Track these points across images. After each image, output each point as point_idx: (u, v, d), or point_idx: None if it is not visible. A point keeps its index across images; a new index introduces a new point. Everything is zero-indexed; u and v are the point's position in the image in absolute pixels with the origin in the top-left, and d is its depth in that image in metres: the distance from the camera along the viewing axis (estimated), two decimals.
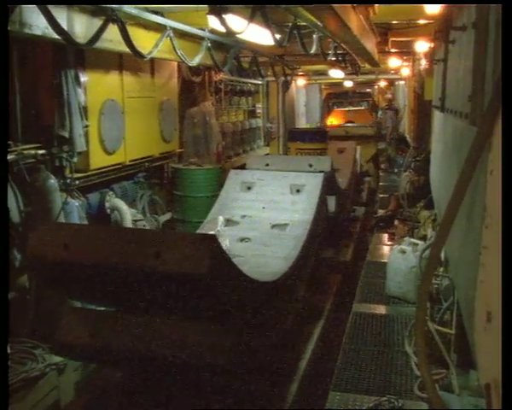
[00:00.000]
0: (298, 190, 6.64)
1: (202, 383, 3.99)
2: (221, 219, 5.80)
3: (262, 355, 4.47)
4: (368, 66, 12.39)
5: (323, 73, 15.81)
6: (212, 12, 4.64)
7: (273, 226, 6.23)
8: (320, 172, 6.95)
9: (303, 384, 4.84)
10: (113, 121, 7.38)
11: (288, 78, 13.45)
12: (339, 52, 9.15)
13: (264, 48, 8.31)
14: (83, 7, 5.16)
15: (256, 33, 6.02)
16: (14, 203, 5.40)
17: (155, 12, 6.15)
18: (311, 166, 7.18)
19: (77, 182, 6.58)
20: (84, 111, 6.56)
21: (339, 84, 21.58)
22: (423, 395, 3.98)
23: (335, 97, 22.71)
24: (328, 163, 7.36)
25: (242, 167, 7.64)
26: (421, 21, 7.71)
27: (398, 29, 8.61)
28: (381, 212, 11.54)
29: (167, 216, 9.14)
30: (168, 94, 9.21)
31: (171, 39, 6.16)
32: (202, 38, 7.06)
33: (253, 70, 10.64)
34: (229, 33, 5.21)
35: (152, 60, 7.63)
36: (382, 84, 24.71)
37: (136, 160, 8.18)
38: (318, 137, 11.12)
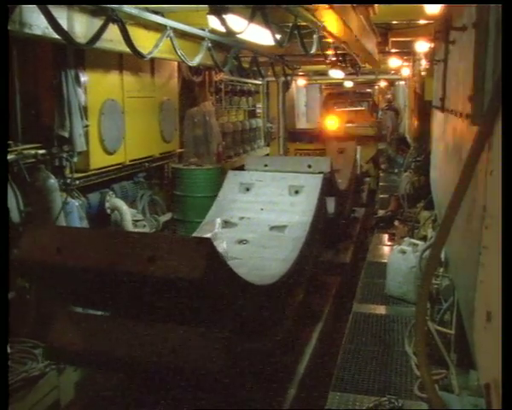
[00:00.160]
0: (297, 192, 6.58)
1: (198, 388, 3.93)
2: (218, 221, 5.73)
3: (259, 360, 4.41)
4: (368, 66, 12.38)
5: (323, 74, 15.80)
6: (212, 12, 4.64)
7: (271, 228, 6.15)
8: (319, 173, 6.88)
9: (301, 389, 4.76)
10: (113, 121, 7.38)
11: (289, 78, 13.45)
12: (339, 52, 9.15)
13: (265, 48, 8.31)
14: (83, 7, 5.16)
15: (256, 33, 6.02)
16: (14, 203, 5.41)
17: (155, 12, 6.15)
18: (309, 167, 7.10)
19: (77, 182, 6.58)
20: (84, 111, 6.57)
21: (339, 85, 21.57)
22: (423, 395, 3.97)
23: (335, 97, 22.72)
24: (327, 164, 7.27)
25: (241, 168, 7.57)
26: (422, 21, 7.72)
27: (399, 29, 8.61)
28: (381, 212, 11.55)
29: (167, 216, 9.14)
30: (168, 94, 9.21)
31: (171, 39, 6.16)
32: (202, 38, 7.05)
33: (254, 70, 10.64)
34: (230, 33, 5.21)
35: (152, 60, 7.63)
36: (382, 84, 24.70)
37: (136, 160, 8.18)
38: (317, 137, 11.11)
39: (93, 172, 7.03)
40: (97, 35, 4.89)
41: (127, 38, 5.27)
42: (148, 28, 6.30)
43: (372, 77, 18.61)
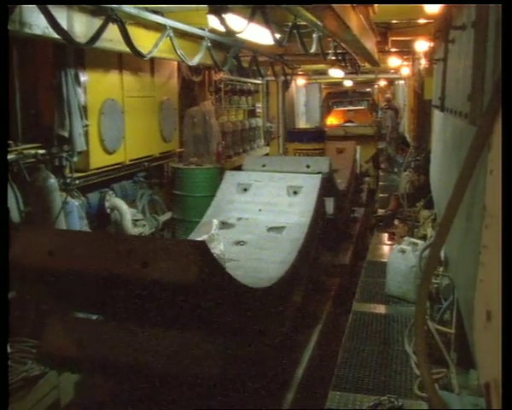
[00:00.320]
0: (295, 192, 6.47)
1: (193, 395, 3.82)
2: (215, 222, 5.60)
3: (256, 364, 4.32)
4: (368, 65, 12.39)
5: (323, 73, 15.81)
6: (211, 11, 4.65)
7: (269, 229, 6.05)
8: (318, 173, 6.79)
9: (299, 393, 4.71)
10: (113, 121, 7.38)
11: (288, 77, 13.45)
12: (339, 51, 9.15)
13: (264, 47, 8.31)
14: (83, 6, 5.16)
15: (256, 33, 6.02)
16: (14, 203, 5.41)
17: (155, 12, 6.16)
18: (308, 167, 7.00)
19: (77, 181, 6.58)
20: (83, 111, 6.57)
21: (339, 84, 21.58)
22: (423, 394, 3.98)
23: (335, 97, 22.73)
24: (326, 164, 7.16)
25: (239, 168, 7.48)
26: (421, 21, 7.72)
27: (398, 28, 8.62)
28: (380, 211, 11.56)
29: (167, 216, 9.15)
30: (168, 93, 9.21)
31: (171, 39, 6.17)
32: (202, 38, 7.06)
33: (253, 69, 10.64)
34: (229, 33, 5.22)
35: (152, 59, 7.63)
36: (382, 83, 24.71)
37: (136, 159, 8.18)
38: (317, 137, 11.05)
39: (93, 171, 7.03)
40: (97, 35, 4.89)
41: (127, 38, 5.28)
42: (148, 28, 6.31)
43: (372, 76, 18.62)
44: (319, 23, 5.71)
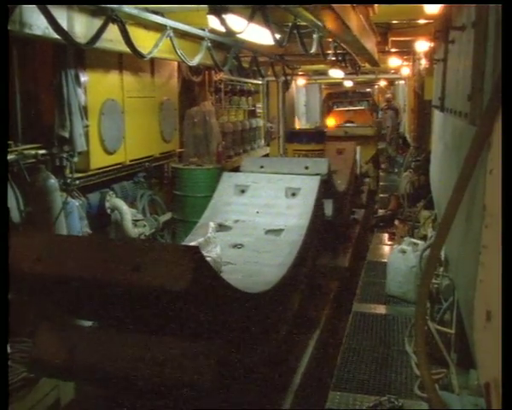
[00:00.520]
0: (293, 194, 6.38)
1: (185, 404, 3.70)
2: (212, 224, 5.53)
3: (252, 371, 4.20)
4: (368, 65, 12.38)
5: (323, 73, 15.80)
6: (212, 12, 4.65)
7: (267, 232, 5.95)
8: (316, 174, 6.68)
9: (297, 399, 4.64)
10: (114, 121, 7.38)
11: (288, 77, 13.44)
12: (339, 52, 9.15)
13: (265, 48, 8.31)
14: (83, 7, 5.16)
15: (256, 33, 6.02)
16: (14, 203, 5.41)
17: (155, 12, 6.16)
18: (307, 168, 6.89)
19: (77, 182, 6.58)
20: (84, 111, 6.56)
21: (339, 84, 21.58)
22: (423, 394, 3.98)
23: (335, 97, 22.72)
24: (324, 165, 7.05)
25: (239, 169, 7.41)
26: (421, 21, 7.72)
27: (398, 29, 8.62)
28: (381, 212, 11.57)
29: (167, 216, 9.14)
30: (168, 94, 9.22)
31: (171, 39, 6.17)
32: (202, 38, 7.06)
33: (253, 70, 10.64)
34: (229, 33, 5.22)
35: (152, 60, 7.63)
36: (382, 83, 24.71)
37: (136, 160, 8.18)
38: (316, 138, 10.99)
39: (93, 172, 7.03)
40: (97, 35, 4.89)
41: (127, 38, 5.28)
42: (148, 28, 6.31)
43: (372, 76, 18.62)
44: (319, 23, 5.71)
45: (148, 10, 5.91)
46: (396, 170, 17.31)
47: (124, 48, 5.48)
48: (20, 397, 4.58)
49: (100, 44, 5.17)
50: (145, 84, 8.37)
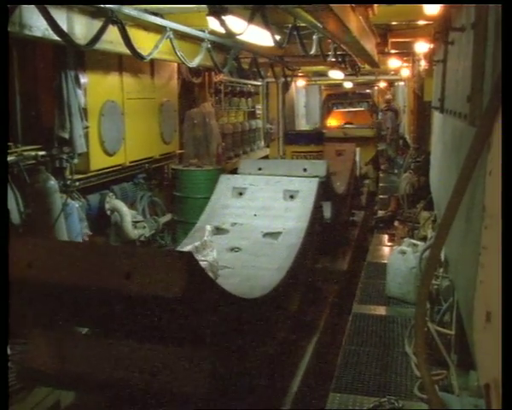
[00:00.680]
0: (291, 196, 6.31)
1: None
2: (208, 228, 5.46)
3: (248, 380, 4.11)
4: (367, 67, 12.39)
5: (323, 74, 15.81)
6: (211, 13, 4.65)
7: (265, 235, 5.88)
8: (315, 176, 6.63)
9: (296, 403, 4.60)
10: (113, 122, 7.39)
11: (288, 79, 13.44)
12: (338, 53, 9.16)
13: (264, 49, 8.32)
14: (82, 8, 5.17)
15: (256, 34, 6.03)
16: (14, 205, 5.41)
17: (155, 13, 6.16)
18: (305, 170, 6.84)
19: (77, 183, 6.59)
20: (84, 112, 6.58)
21: (339, 85, 21.58)
22: (423, 395, 3.98)
23: (335, 98, 22.72)
24: (323, 167, 6.99)
25: (236, 171, 7.34)
26: (421, 22, 7.72)
27: (398, 30, 8.62)
28: (381, 213, 11.57)
29: (167, 217, 9.15)
30: (168, 95, 9.22)
31: (171, 40, 6.17)
32: (202, 40, 7.06)
33: (253, 71, 10.65)
34: (229, 34, 5.21)
35: (152, 61, 7.64)
36: (382, 85, 24.72)
37: (136, 161, 8.19)
38: (315, 139, 10.94)
39: (93, 173, 7.04)
40: (97, 36, 4.90)
41: (127, 40, 5.28)
42: (148, 30, 6.31)
43: (372, 78, 18.62)
44: (319, 25, 5.71)
45: (147, 12, 5.91)
46: (396, 171, 17.30)
47: (123, 49, 5.48)
48: (20, 399, 4.57)
49: (100, 46, 5.17)
50: (145, 86, 8.37)
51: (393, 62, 12.56)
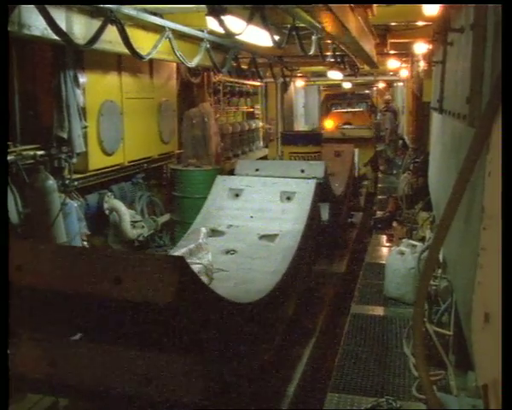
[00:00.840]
0: (288, 198, 6.23)
1: None
2: (204, 230, 5.41)
3: (243, 386, 4.05)
4: (366, 67, 12.39)
5: (322, 75, 15.81)
6: (210, 13, 4.64)
7: (261, 237, 5.79)
8: (312, 178, 6.56)
9: (293, 404, 4.56)
10: (112, 122, 7.38)
11: (287, 79, 13.44)
12: (338, 53, 9.16)
13: (263, 49, 8.31)
14: (81, 8, 5.16)
15: (255, 34, 6.02)
16: (12, 204, 5.41)
17: (154, 13, 6.16)
18: (303, 171, 6.76)
19: (75, 183, 6.58)
20: (82, 112, 6.57)
21: (337, 86, 21.60)
22: (421, 396, 3.98)
23: (334, 99, 22.74)
24: (320, 169, 6.92)
25: (232, 172, 7.27)
26: (420, 23, 7.72)
27: (397, 31, 8.62)
28: (379, 213, 11.56)
29: (166, 217, 9.14)
30: (167, 95, 9.22)
31: (170, 40, 6.16)
32: (201, 40, 7.06)
33: (252, 71, 10.64)
34: (228, 34, 5.21)
35: (151, 61, 7.64)
36: (381, 85, 24.74)
37: (134, 161, 8.18)
38: (313, 140, 10.89)
39: (92, 173, 7.03)
40: (96, 36, 4.89)
41: (126, 40, 5.28)
42: (147, 29, 6.31)
43: (370, 78, 18.64)
44: (318, 25, 5.71)
45: (146, 11, 5.91)
46: (394, 172, 17.32)
47: (122, 49, 5.47)
48: (18, 399, 4.56)
49: (99, 46, 5.17)
50: (144, 86, 8.37)
51: (392, 63, 12.57)
